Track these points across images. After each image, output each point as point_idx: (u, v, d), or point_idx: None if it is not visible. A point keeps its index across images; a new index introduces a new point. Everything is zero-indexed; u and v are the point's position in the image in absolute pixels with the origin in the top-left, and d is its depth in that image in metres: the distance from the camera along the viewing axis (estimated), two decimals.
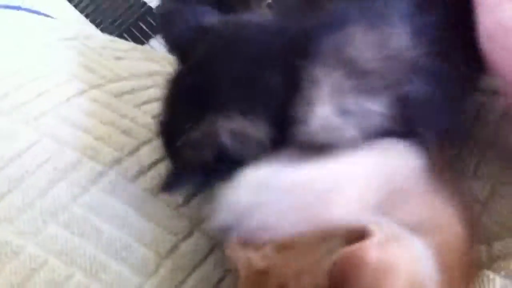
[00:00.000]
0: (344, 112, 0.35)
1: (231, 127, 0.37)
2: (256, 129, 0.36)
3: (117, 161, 0.45)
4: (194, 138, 0.37)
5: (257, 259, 0.33)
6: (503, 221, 0.43)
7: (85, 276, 0.39)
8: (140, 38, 0.99)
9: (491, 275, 0.36)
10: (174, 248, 0.42)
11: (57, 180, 0.42)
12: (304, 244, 0.32)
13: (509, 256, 0.39)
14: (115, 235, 0.41)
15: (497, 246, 0.40)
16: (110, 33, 0.99)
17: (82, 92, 0.49)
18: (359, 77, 0.36)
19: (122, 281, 0.39)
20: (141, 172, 0.45)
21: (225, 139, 0.37)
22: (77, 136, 0.45)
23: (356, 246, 0.29)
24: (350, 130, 0.35)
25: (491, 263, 0.39)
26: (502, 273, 0.36)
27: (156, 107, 0.52)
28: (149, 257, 0.41)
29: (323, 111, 0.35)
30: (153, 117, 0.51)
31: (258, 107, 0.37)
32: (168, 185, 0.40)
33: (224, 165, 0.37)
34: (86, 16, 1.01)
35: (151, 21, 1.00)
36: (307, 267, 0.31)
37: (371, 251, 0.29)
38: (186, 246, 0.43)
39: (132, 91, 0.53)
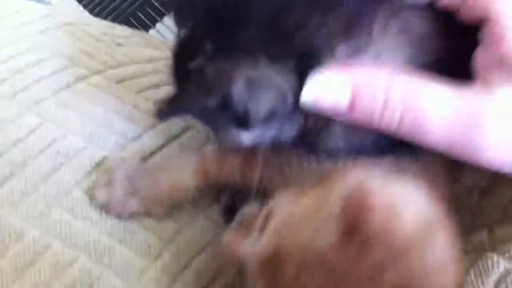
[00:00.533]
0: None
1: (250, 74, 0.32)
2: (282, 79, 0.32)
3: (121, 147, 0.45)
4: (205, 71, 0.33)
5: (262, 246, 0.33)
6: (504, 207, 0.43)
7: (89, 259, 0.39)
8: (139, 28, 0.99)
9: (495, 257, 0.36)
10: (177, 233, 0.42)
11: (60, 164, 0.42)
12: (302, 215, 0.32)
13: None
14: (118, 219, 0.41)
15: (500, 231, 0.40)
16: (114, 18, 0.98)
17: (83, 77, 0.49)
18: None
19: (126, 265, 0.40)
20: (144, 158, 0.45)
21: (237, 87, 0.32)
22: (80, 122, 0.45)
23: (357, 193, 0.29)
24: None
25: (494, 246, 0.39)
26: (506, 255, 0.36)
27: (157, 93, 0.52)
28: (152, 241, 0.41)
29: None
30: (155, 103, 0.51)
31: (289, 54, 0.32)
32: (162, 112, 0.35)
33: (225, 114, 0.33)
34: (84, 6, 1.01)
35: (150, 11, 1.00)
36: (312, 235, 0.31)
37: (375, 196, 0.29)
38: (189, 231, 0.43)
39: (133, 77, 0.52)
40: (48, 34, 0.52)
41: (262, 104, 0.33)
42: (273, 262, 0.31)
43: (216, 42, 0.33)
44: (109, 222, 0.41)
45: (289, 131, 0.35)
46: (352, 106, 0.31)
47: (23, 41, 0.50)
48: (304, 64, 0.32)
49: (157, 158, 0.46)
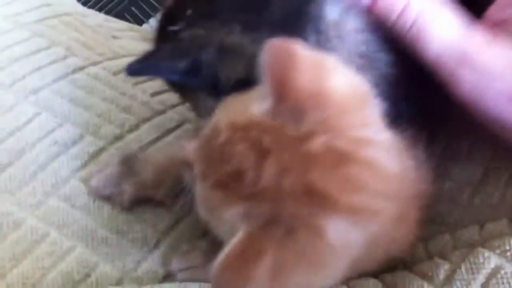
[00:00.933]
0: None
1: (223, 41, 0.33)
2: (255, 48, 0.31)
3: (118, 138, 0.45)
4: (181, 35, 0.34)
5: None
6: (494, 204, 0.44)
7: (86, 249, 0.39)
8: (132, 23, 0.98)
9: (486, 252, 0.37)
10: (174, 225, 0.42)
11: (57, 154, 0.42)
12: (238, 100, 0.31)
13: (503, 236, 0.40)
14: (116, 210, 0.41)
15: (489, 227, 0.41)
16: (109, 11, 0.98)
17: (81, 68, 0.49)
18: None
19: (123, 255, 0.40)
20: (141, 149, 0.45)
21: (208, 52, 0.33)
22: (77, 112, 0.45)
23: (283, 56, 0.28)
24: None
25: (485, 242, 0.39)
26: (497, 251, 0.37)
27: (153, 86, 0.53)
28: (149, 233, 0.42)
29: None
30: (152, 95, 0.51)
31: (264, 26, 0.33)
32: (133, 68, 0.35)
33: (195, 80, 0.34)
34: None
35: (144, 6, 1.00)
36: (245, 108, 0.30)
37: (303, 49, 0.29)
38: (185, 224, 0.43)
39: None
40: (45, 23, 0.52)
41: (232, 71, 0.33)
42: (208, 138, 0.30)
43: (196, 9, 0.35)
44: (106, 212, 0.41)
45: None
46: (373, 4, 0.35)
47: (21, 30, 0.50)
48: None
49: (154, 148, 0.46)
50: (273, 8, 0.33)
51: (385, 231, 0.30)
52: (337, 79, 0.29)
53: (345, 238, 0.28)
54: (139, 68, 0.35)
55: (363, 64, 0.35)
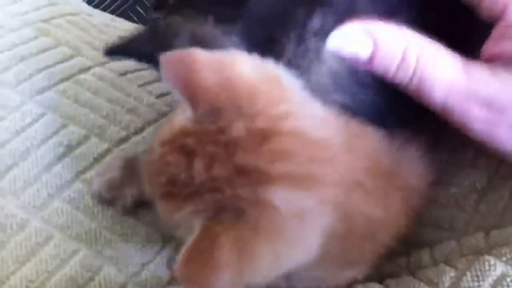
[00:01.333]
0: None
1: (196, 30, 0.34)
2: (227, 40, 0.34)
3: (123, 140, 0.45)
4: (159, 23, 0.36)
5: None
6: (500, 211, 0.44)
7: (90, 251, 0.39)
8: (137, 22, 0.98)
9: (492, 260, 0.37)
10: (179, 225, 0.42)
11: (62, 155, 0.42)
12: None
13: (509, 243, 0.39)
14: (120, 213, 0.41)
15: (495, 234, 0.41)
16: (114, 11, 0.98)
17: (87, 68, 0.49)
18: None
19: (127, 258, 0.40)
20: (147, 151, 0.45)
21: (181, 40, 0.34)
22: (83, 113, 0.45)
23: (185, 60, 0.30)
24: None
25: (491, 249, 0.39)
26: (503, 258, 0.37)
27: (159, 87, 0.52)
28: (153, 236, 0.41)
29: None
30: (157, 96, 0.51)
31: (238, 20, 0.34)
32: (112, 50, 0.38)
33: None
34: None
35: (148, 5, 1.00)
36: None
37: (200, 53, 0.30)
38: None
39: (135, 71, 0.52)
40: (52, 22, 0.52)
41: None
42: (148, 159, 0.32)
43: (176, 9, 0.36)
44: (110, 215, 0.41)
45: None
46: (372, 57, 0.33)
47: (27, 28, 0.50)
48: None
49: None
50: (251, 5, 0.34)
51: (350, 203, 0.31)
52: (239, 69, 0.30)
53: (295, 205, 0.29)
54: (117, 50, 0.38)
55: (340, 84, 0.35)
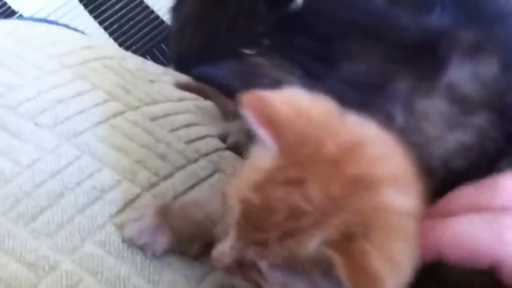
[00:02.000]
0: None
1: (280, 78, 0.37)
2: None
3: (153, 185, 0.46)
4: (250, 60, 0.38)
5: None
6: None
7: None
8: (162, 60, 1.01)
9: None
10: (205, 275, 0.43)
11: (95, 198, 0.43)
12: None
13: None
14: (148, 258, 0.42)
15: None
16: (133, 52, 1.00)
17: (120, 113, 0.50)
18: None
19: None
20: (175, 197, 0.46)
21: (264, 84, 0.37)
22: (116, 157, 0.46)
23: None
24: None
25: None
26: None
27: (188, 133, 0.54)
28: (180, 282, 0.42)
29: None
30: (186, 143, 0.52)
31: (330, 79, 0.36)
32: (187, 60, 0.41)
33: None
34: (110, 33, 1.03)
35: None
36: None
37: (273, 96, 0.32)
38: (216, 275, 0.44)
39: (166, 115, 0.54)
40: (88, 66, 0.54)
41: None
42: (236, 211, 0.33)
43: (274, 42, 0.38)
44: (139, 260, 0.41)
45: None
46: None
47: (65, 71, 0.51)
48: None
49: (188, 197, 0.47)
50: (344, 66, 0.36)
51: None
52: (308, 101, 0.33)
53: (403, 204, 0.32)
54: (203, 72, 0.41)
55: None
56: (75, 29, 0.68)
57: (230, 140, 0.56)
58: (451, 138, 0.36)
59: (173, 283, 0.41)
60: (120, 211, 0.43)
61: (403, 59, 0.35)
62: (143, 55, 1.00)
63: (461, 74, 0.35)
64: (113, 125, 0.48)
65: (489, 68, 0.35)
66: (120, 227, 0.42)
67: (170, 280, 0.41)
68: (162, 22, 1.06)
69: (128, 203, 0.44)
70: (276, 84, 0.36)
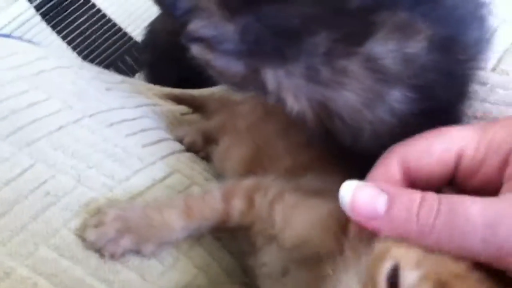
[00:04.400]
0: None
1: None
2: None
3: (109, 188, 0.47)
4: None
5: None
6: None
7: None
8: (126, 72, 1.01)
9: None
10: (160, 275, 0.44)
11: (49, 204, 0.43)
12: None
13: None
14: (103, 258, 0.42)
15: None
16: (96, 65, 1.01)
17: (75, 121, 0.51)
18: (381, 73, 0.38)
19: None
20: (132, 199, 0.47)
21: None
22: (71, 163, 0.47)
23: None
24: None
25: None
26: None
27: (145, 137, 0.55)
28: (135, 282, 0.43)
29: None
30: (142, 146, 0.53)
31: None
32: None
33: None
34: (73, 48, 1.03)
35: (137, 55, 1.03)
36: None
37: None
38: (172, 274, 0.44)
39: (122, 121, 0.55)
40: (43, 76, 0.55)
41: None
42: None
43: None
44: (93, 261, 0.42)
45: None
46: (388, 210, 0.33)
47: (20, 82, 0.52)
48: None
49: (144, 198, 0.47)
50: (268, 9, 0.37)
51: None
52: None
53: None
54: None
55: None
56: (30, 41, 0.68)
57: (186, 140, 0.57)
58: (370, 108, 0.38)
59: (128, 282, 0.42)
60: (75, 215, 0.44)
61: (329, 17, 0.36)
62: (107, 67, 1.01)
63: (384, 47, 0.37)
64: (68, 133, 0.49)
65: (415, 45, 0.37)
66: (76, 231, 0.43)
67: (125, 279, 0.42)
68: (125, 34, 1.06)
69: (84, 207, 0.44)
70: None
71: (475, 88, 0.56)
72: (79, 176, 0.46)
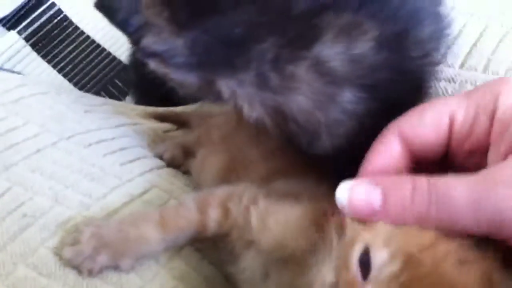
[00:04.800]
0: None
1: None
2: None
3: (86, 207, 0.48)
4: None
5: None
6: None
7: None
8: (116, 95, 1.03)
9: None
10: (143, 286, 0.45)
11: (26, 225, 0.45)
12: None
13: None
14: (81, 275, 0.43)
15: None
16: (88, 91, 1.03)
17: (53, 143, 0.52)
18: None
19: None
20: (109, 215, 0.48)
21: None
22: (47, 185, 0.48)
23: None
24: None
25: None
26: None
27: (123, 156, 0.56)
28: None
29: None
30: (120, 165, 0.54)
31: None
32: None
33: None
34: (64, 75, 1.05)
35: (126, 79, 1.05)
36: None
37: None
38: (153, 285, 0.45)
39: (100, 141, 0.56)
40: (21, 103, 0.56)
41: None
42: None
43: None
44: (72, 278, 0.43)
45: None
46: (384, 204, 0.35)
47: None
48: None
49: (122, 214, 0.49)
50: (214, 20, 0.38)
51: None
52: None
53: None
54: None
55: None
56: (9, 70, 0.70)
57: (165, 156, 0.58)
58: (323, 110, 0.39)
59: None
60: (52, 234, 0.45)
61: (275, 23, 0.37)
62: (98, 92, 1.03)
63: (331, 50, 0.38)
64: (44, 156, 0.51)
65: (361, 46, 0.38)
66: (53, 250, 0.44)
67: None
68: (114, 58, 1.08)
69: (61, 226, 0.46)
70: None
71: (443, 85, 0.57)
72: (56, 196, 0.47)
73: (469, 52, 0.58)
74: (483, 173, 0.34)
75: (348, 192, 0.36)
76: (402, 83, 0.41)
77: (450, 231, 0.33)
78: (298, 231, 0.42)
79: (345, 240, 0.35)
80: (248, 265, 0.46)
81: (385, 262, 0.32)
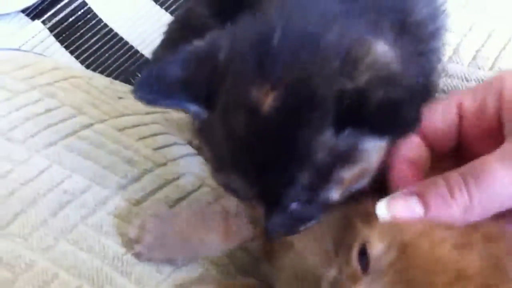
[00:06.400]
0: None
1: None
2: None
3: (122, 187, 0.49)
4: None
5: None
6: None
7: (92, 286, 0.42)
8: None
9: None
10: (174, 270, 0.45)
11: (66, 202, 0.46)
12: None
13: None
14: (120, 251, 0.44)
15: None
16: None
17: (88, 125, 0.53)
18: None
19: None
20: (144, 197, 0.49)
21: None
22: (85, 164, 0.49)
23: None
24: None
25: None
26: None
27: (155, 141, 0.57)
28: (151, 274, 0.44)
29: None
30: (154, 149, 0.55)
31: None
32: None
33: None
34: (87, 66, 1.06)
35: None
36: None
37: None
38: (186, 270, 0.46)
39: (133, 126, 0.57)
40: (56, 85, 0.57)
41: None
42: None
43: None
44: (111, 254, 0.44)
45: None
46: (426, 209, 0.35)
47: (34, 91, 0.55)
48: None
49: (157, 196, 0.50)
50: None
51: None
52: None
53: None
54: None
55: None
56: (40, 54, 0.71)
57: (195, 143, 0.59)
58: None
59: (145, 274, 0.44)
60: (91, 212, 0.46)
61: None
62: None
63: None
64: (81, 137, 0.52)
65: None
66: (91, 226, 0.45)
67: (141, 272, 0.44)
68: (137, 52, 1.09)
69: (99, 205, 0.47)
70: None
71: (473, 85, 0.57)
72: (93, 176, 0.48)
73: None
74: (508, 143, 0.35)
75: (388, 210, 0.36)
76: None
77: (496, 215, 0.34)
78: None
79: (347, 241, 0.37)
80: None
81: (382, 253, 0.33)
